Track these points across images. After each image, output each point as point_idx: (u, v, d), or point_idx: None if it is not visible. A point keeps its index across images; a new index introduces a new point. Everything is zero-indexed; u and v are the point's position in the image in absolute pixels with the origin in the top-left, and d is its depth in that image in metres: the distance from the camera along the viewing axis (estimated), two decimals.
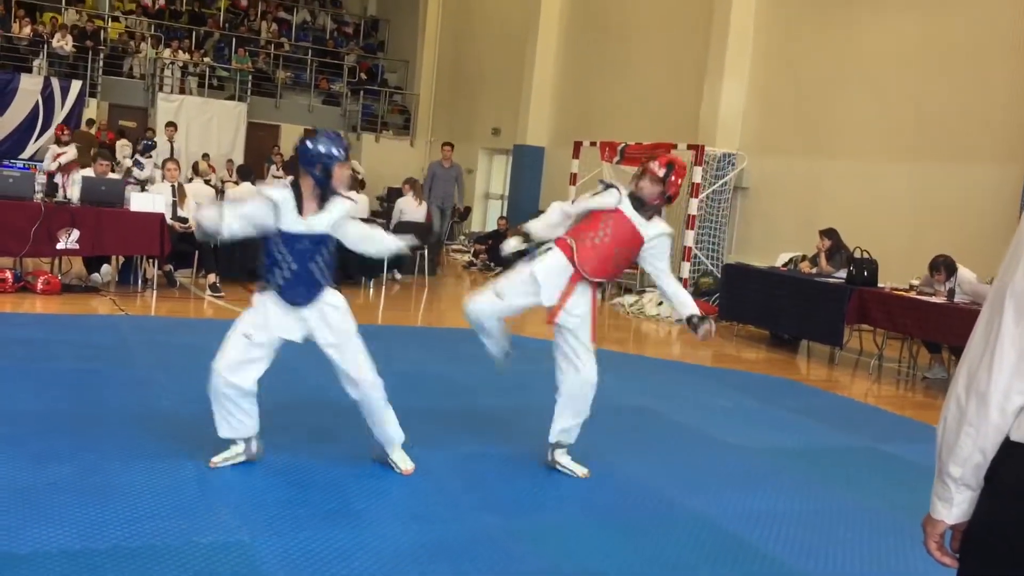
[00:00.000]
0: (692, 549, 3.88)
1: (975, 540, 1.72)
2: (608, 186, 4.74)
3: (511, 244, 4.86)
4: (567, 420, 4.66)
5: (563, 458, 4.74)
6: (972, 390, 1.65)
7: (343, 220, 4.37)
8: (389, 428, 4.48)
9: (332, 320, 4.33)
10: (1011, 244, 1.67)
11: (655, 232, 4.66)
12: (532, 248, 4.80)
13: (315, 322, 4.30)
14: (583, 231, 4.63)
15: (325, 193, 4.24)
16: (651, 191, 4.60)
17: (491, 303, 4.75)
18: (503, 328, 4.88)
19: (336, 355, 4.35)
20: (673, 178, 4.60)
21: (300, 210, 4.20)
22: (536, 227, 4.84)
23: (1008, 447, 1.64)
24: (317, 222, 4.25)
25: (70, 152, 13.18)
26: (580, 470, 4.69)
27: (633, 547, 3.84)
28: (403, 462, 4.49)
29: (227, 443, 4.35)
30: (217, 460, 4.31)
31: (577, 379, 4.60)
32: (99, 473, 4.07)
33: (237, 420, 4.26)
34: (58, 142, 14.14)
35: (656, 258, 4.70)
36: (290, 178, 4.48)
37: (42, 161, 15.14)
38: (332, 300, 4.36)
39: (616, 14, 16.05)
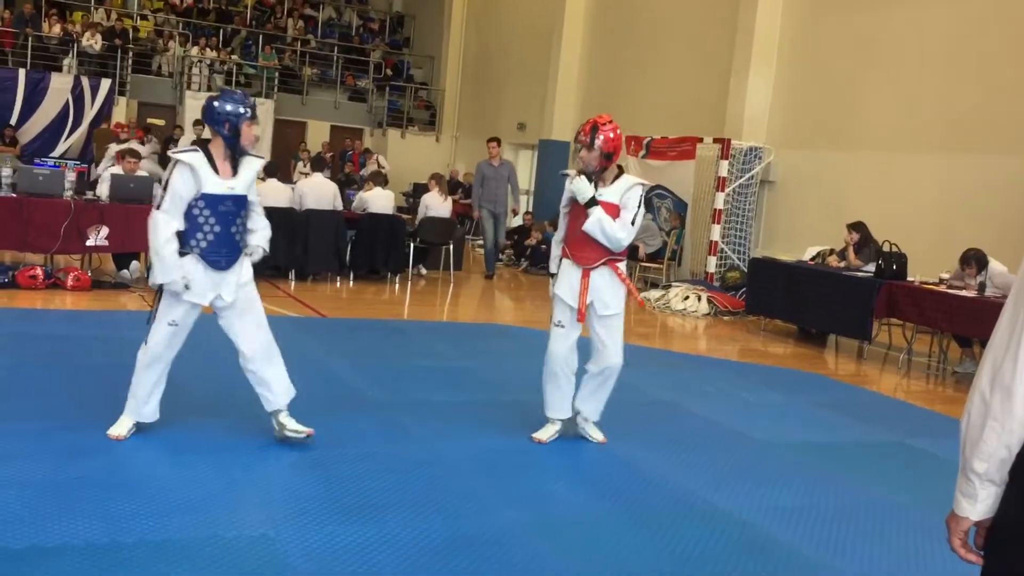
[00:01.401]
0: (718, 545, 3.85)
1: (1000, 537, 1.69)
2: (563, 176, 5.03)
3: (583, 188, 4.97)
4: (592, 400, 5.06)
5: (585, 423, 5.11)
6: (997, 384, 1.63)
7: (254, 180, 4.48)
8: (280, 382, 4.61)
9: (242, 282, 4.45)
10: None
11: (622, 189, 4.80)
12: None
13: (226, 285, 4.40)
14: (570, 229, 4.92)
15: (235, 152, 4.35)
16: (589, 158, 4.75)
17: (559, 337, 4.95)
18: (571, 390, 5.07)
19: (232, 318, 4.47)
20: (601, 137, 4.70)
21: (216, 172, 4.29)
22: (553, 265, 5.11)
23: None
24: (237, 183, 4.35)
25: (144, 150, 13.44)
26: (598, 435, 5.09)
27: (658, 542, 3.83)
28: (296, 426, 4.59)
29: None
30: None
31: (609, 372, 4.95)
32: (126, 468, 4.12)
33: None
34: (117, 140, 14.35)
35: (624, 210, 4.79)
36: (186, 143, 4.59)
37: (74, 159, 15.33)
38: (246, 265, 4.49)
39: (642, 8, 15.97)
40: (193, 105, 19.47)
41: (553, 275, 5.05)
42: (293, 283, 10.54)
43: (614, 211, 4.76)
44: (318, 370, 6.38)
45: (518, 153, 20.03)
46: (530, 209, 17.00)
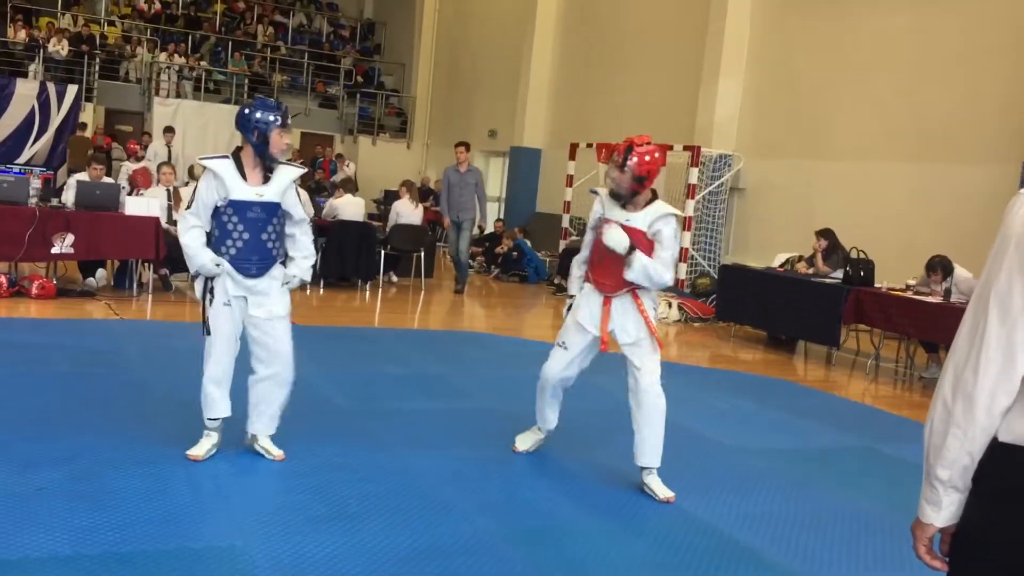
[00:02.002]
0: (688, 552, 3.86)
1: (964, 543, 1.71)
2: (593, 194, 4.73)
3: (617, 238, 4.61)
4: (650, 440, 4.58)
5: (652, 479, 4.59)
6: (959, 391, 1.65)
7: (291, 188, 4.44)
8: (275, 412, 4.54)
9: (272, 292, 4.41)
10: (994, 245, 1.67)
11: (652, 217, 4.47)
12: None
13: (260, 295, 4.39)
14: (594, 255, 4.66)
15: (265, 160, 4.32)
16: (620, 180, 4.45)
17: (558, 356, 4.76)
18: (558, 405, 4.93)
19: (263, 327, 4.42)
20: (635, 159, 4.39)
21: (244, 179, 4.29)
22: (573, 286, 4.84)
23: (996, 448, 1.64)
24: (267, 190, 4.32)
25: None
26: (664, 492, 4.52)
27: (628, 550, 3.83)
28: (275, 450, 4.54)
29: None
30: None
31: (643, 395, 4.61)
32: (91, 478, 4.05)
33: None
34: (131, 158, 14.27)
35: (660, 247, 4.46)
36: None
37: (40, 166, 15.15)
38: (277, 274, 4.45)
39: (612, 16, 16.05)
40: (161, 112, 19.32)
41: (571, 297, 4.78)
42: None
43: (640, 238, 4.45)
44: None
45: (489, 160, 20.05)
46: (501, 216, 17.00)
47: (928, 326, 8.09)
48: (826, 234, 9.75)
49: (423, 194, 16.03)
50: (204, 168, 4.30)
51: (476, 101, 20.18)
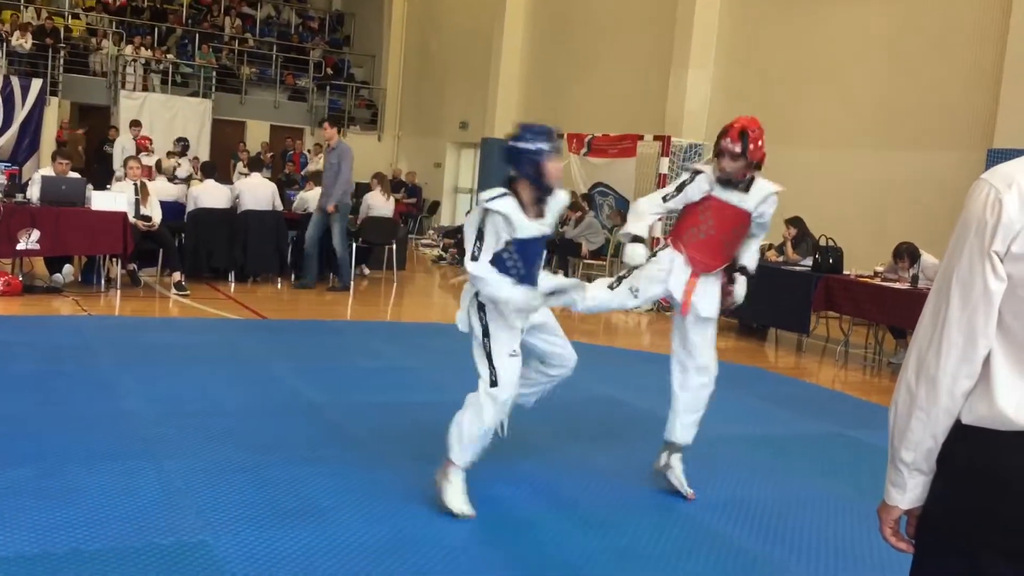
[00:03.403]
0: (662, 540, 3.88)
1: (931, 523, 1.73)
2: (695, 173, 4.46)
3: (639, 253, 4.48)
4: (686, 417, 4.54)
5: (678, 464, 4.52)
6: (922, 375, 1.68)
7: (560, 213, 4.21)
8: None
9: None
10: (955, 230, 1.68)
11: (758, 199, 4.36)
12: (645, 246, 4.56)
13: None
14: (685, 228, 4.46)
15: (541, 191, 4.01)
16: (735, 167, 4.28)
17: (621, 297, 4.54)
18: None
19: (545, 335, 4.23)
20: (751, 146, 4.26)
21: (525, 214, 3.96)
22: (639, 226, 4.55)
23: (959, 430, 1.67)
24: (545, 223, 4.06)
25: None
26: (687, 491, 4.43)
27: (602, 541, 3.84)
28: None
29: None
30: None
31: (696, 375, 4.53)
32: (60, 476, 4.00)
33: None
34: (141, 151, 14.10)
35: (760, 227, 4.42)
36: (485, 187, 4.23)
37: (5, 161, 14.92)
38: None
39: (581, 6, 16.04)
40: (128, 105, 19.11)
41: (630, 236, 4.48)
42: (233, 285, 10.38)
43: (744, 219, 4.38)
44: (259, 373, 6.29)
45: (461, 152, 20.00)
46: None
47: (896, 312, 8.17)
48: (795, 222, 9.82)
49: (395, 186, 15.98)
50: (486, 211, 3.94)
51: (447, 92, 20.11)
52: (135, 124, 16.48)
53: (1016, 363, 1.62)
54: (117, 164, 15.24)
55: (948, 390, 1.65)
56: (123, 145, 15.60)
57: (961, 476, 1.66)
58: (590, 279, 4.73)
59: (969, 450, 1.65)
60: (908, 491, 1.74)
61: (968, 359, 1.63)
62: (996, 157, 9.19)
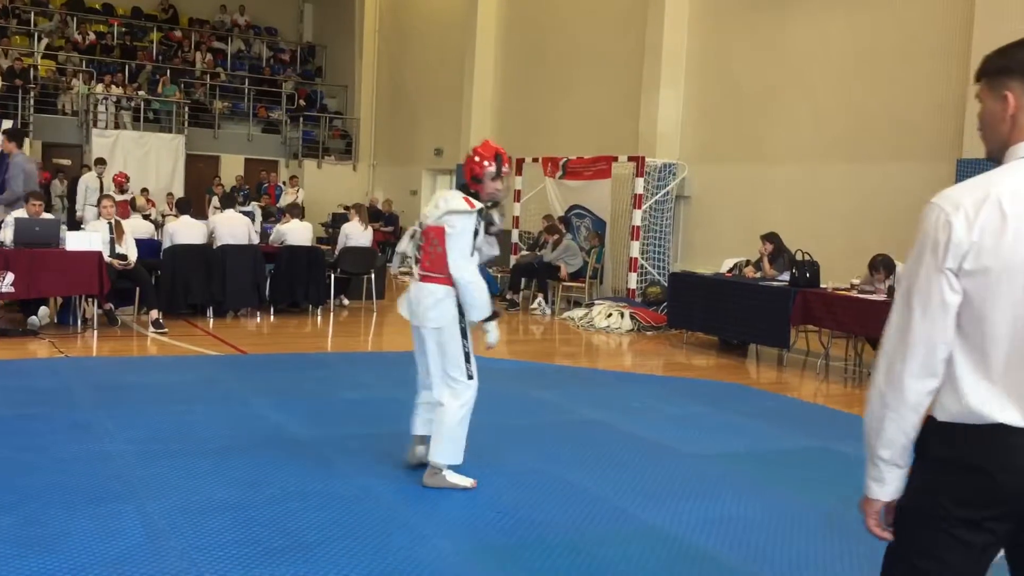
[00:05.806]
0: (650, 561, 3.87)
1: (909, 513, 1.90)
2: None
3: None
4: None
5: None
6: (891, 380, 1.89)
7: None
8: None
9: None
10: (913, 248, 1.88)
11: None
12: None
13: None
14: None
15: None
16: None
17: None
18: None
19: None
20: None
21: None
22: None
23: (933, 425, 1.88)
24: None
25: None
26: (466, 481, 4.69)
27: (590, 564, 3.82)
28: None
29: None
30: None
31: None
32: (41, 523, 3.95)
33: None
34: (121, 190, 13.96)
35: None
36: None
37: None
38: None
39: (552, 30, 16.17)
40: (101, 143, 19.03)
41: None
42: (212, 320, 10.32)
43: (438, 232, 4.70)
44: (241, 408, 6.25)
45: (436, 178, 20.03)
46: None
47: (873, 323, 8.21)
48: (771, 238, 9.90)
49: (372, 215, 15.97)
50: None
51: (421, 120, 20.18)
52: (99, 162, 16.30)
53: (976, 364, 1.82)
54: (80, 204, 15.16)
55: (914, 391, 1.86)
56: (87, 184, 15.39)
57: (937, 468, 1.86)
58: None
59: (943, 441, 1.85)
60: (887, 484, 1.92)
61: (929, 363, 1.84)
62: (965, 167, 9.31)
